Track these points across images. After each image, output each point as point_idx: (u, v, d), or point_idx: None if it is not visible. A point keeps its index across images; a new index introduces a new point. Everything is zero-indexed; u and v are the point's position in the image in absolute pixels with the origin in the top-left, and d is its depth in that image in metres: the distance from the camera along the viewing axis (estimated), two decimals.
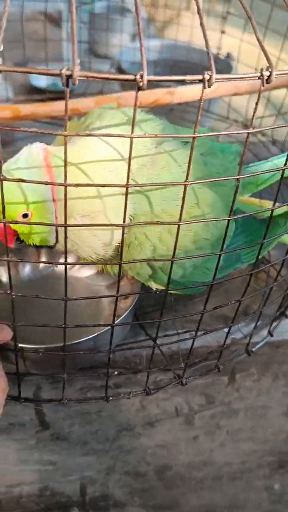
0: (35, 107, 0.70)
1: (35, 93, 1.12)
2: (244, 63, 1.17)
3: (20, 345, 0.47)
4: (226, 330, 0.55)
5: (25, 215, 0.47)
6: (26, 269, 0.63)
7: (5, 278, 0.61)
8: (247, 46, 1.03)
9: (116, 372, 0.52)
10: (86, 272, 0.62)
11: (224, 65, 1.29)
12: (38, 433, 0.67)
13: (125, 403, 0.65)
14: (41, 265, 0.64)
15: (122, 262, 0.40)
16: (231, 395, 0.68)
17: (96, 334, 0.48)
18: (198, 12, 0.33)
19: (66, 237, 0.38)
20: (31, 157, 0.48)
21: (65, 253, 0.39)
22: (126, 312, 0.51)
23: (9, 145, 0.92)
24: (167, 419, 0.69)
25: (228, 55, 1.42)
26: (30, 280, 0.62)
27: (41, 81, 1.19)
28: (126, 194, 0.35)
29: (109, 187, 0.36)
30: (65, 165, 0.33)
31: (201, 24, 0.33)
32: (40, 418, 0.65)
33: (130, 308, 0.51)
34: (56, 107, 0.71)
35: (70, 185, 0.35)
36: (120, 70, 1.42)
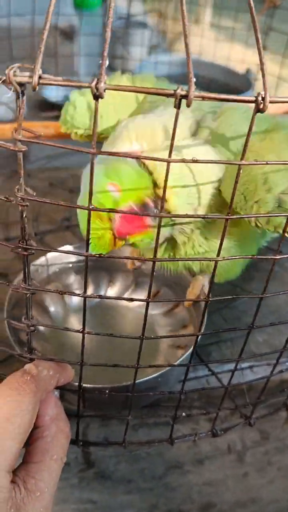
0: None
1: (47, 107, 1.09)
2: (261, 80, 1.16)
3: (84, 385, 0.43)
4: None
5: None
6: (73, 299, 0.59)
7: (53, 308, 0.57)
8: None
9: (184, 414, 0.48)
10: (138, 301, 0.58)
11: (244, 81, 1.27)
12: (82, 472, 0.62)
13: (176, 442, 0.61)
14: (88, 293, 0.60)
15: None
16: (287, 431, 0.64)
17: (164, 370, 0.44)
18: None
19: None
20: None
21: (150, 289, 0.35)
22: (192, 348, 0.47)
23: (26, 162, 0.89)
24: (218, 456, 0.65)
25: (248, 71, 1.40)
26: (76, 311, 0.58)
27: (52, 93, 1.16)
28: None
29: None
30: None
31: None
32: (86, 456, 0.61)
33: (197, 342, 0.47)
34: None
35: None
36: None
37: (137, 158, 0.29)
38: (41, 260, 0.57)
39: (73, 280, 0.59)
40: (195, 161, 0.29)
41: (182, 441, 0.48)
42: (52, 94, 1.16)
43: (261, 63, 0.27)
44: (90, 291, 0.59)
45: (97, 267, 0.60)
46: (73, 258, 0.59)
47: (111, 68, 1.77)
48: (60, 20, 1.38)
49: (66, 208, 0.76)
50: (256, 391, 0.57)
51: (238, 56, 1.41)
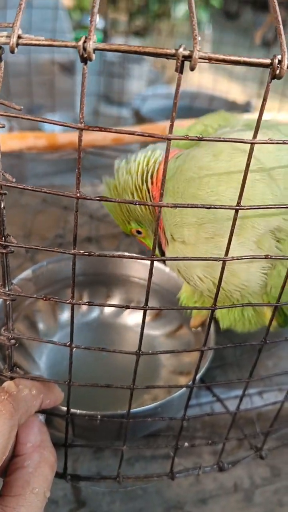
0: (74, 136, 0.63)
1: None
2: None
3: (73, 410, 0.37)
4: None
5: (138, 232, 0.47)
6: (65, 315, 0.54)
7: (42, 325, 0.52)
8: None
9: (187, 444, 0.42)
10: (137, 318, 0.54)
11: (244, 112, 1.28)
12: (72, 511, 0.56)
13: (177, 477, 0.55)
14: (83, 309, 0.55)
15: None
16: None
17: (164, 400, 0.39)
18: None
19: (150, 273, 0.30)
20: (146, 159, 0.44)
21: (147, 295, 0.31)
22: (203, 370, 0.42)
23: (21, 183, 0.86)
24: (223, 494, 0.58)
25: (248, 103, 1.40)
26: (68, 329, 0.53)
27: (55, 126, 1.16)
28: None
29: (221, 208, 0.28)
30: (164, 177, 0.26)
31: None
32: (77, 493, 0.54)
33: (206, 364, 0.42)
34: (96, 136, 0.64)
35: (164, 206, 0.27)
36: (138, 115, 1.39)
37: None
38: (27, 273, 0.52)
39: (69, 295, 0.55)
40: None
41: (184, 476, 0.42)
42: (55, 127, 1.15)
43: (277, 22, 0.23)
44: (85, 307, 0.55)
45: (94, 282, 0.55)
46: (68, 274, 0.55)
47: (109, 101, 1.77)
48: (60, 55, 1.39)
49: (59, 225, 0.73)
50: (266, 420, 0.51)
51: (236, 90, 1.41)
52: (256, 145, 0.25)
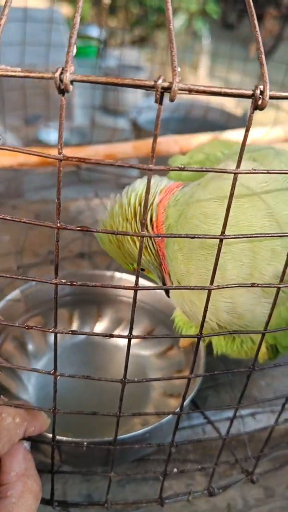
0: (67, 151, 0.63)
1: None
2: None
3: (59, 437, 0.37)
4: None
5: (142, 269, 0.45)
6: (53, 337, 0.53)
7: (31, 347, 0.52)
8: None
9: (176, 470, 0.41)
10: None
11: (241, 123, 1.27)
12: None
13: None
14: (73, 329, 0.54)
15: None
16: None
17: (152, 426, 0.38)
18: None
19: (134, 301, 0.29)
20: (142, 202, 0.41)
21: (131, 325, 0.30)
22: (193, 392, 0.41)
23: (19, 197, 0.86)
24: None
25: (245, 115, 1.40)
26: (59, 350, 0.53)
27: (51, 136, 1.16)
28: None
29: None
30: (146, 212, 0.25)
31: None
32: None
33: (197, 386, 0.42)
34: (88, 152, 0.64)
35: (147, 236, 0.26)
36: (135, 126, 1.39)
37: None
38: (16, 293, 0.51)
39: (60, 315, 0.54)
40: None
41: (174, 502, 0.42)
42: (51, 137, 1.15)
43: (259, 52, 0.23)
44: (75, 326, 0.54)
45: (84, 301, 0.55)
46: (61, 292, 0.54)
47: (106, 111, 1.77)
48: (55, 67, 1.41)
49: (52, 241, 0.72)
50: (259, 441, 0.50)
51: (232, 100, 1.41)
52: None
